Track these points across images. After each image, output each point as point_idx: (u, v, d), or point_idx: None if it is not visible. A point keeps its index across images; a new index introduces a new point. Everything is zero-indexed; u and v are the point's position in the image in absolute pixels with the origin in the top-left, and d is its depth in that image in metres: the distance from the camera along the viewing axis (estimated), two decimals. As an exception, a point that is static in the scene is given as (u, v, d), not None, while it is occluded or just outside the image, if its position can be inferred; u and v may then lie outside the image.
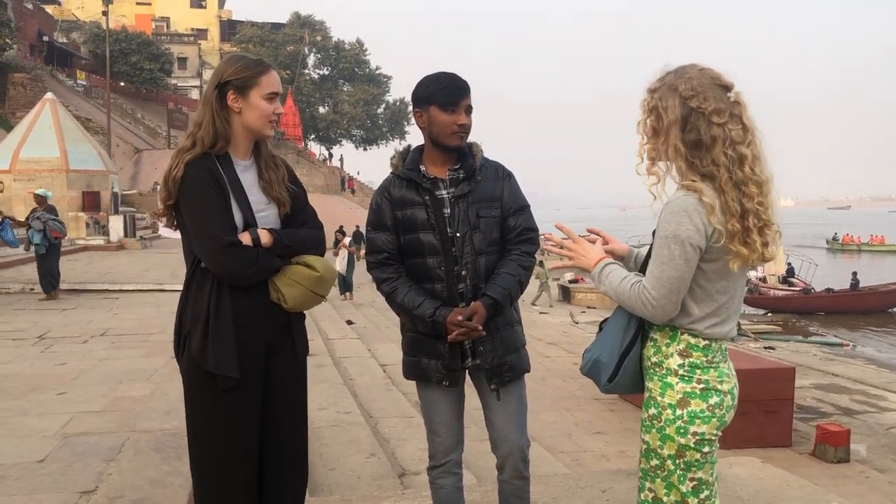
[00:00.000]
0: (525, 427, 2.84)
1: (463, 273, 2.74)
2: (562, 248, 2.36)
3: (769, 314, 25.68)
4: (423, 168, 2.82)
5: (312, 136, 63.60)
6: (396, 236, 2.80)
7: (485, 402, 2.84)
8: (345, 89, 64.80)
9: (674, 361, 2.16)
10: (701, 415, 2.13)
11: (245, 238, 2.45)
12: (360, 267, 21.89)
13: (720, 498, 2.26)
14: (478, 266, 2.75)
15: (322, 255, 2.63)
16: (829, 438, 5.80)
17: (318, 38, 63.39)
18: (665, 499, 2.18)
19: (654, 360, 2.20)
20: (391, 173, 2.89)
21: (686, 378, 2.15)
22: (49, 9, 58.55)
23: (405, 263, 2.82)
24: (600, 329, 2.34)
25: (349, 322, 12.64)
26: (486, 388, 2.79)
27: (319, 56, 64.50)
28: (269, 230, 2.51)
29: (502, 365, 2.76)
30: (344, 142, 65.46)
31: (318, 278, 2.52)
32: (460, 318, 2.66)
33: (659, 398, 2.16)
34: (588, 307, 23.17)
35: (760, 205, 2.08)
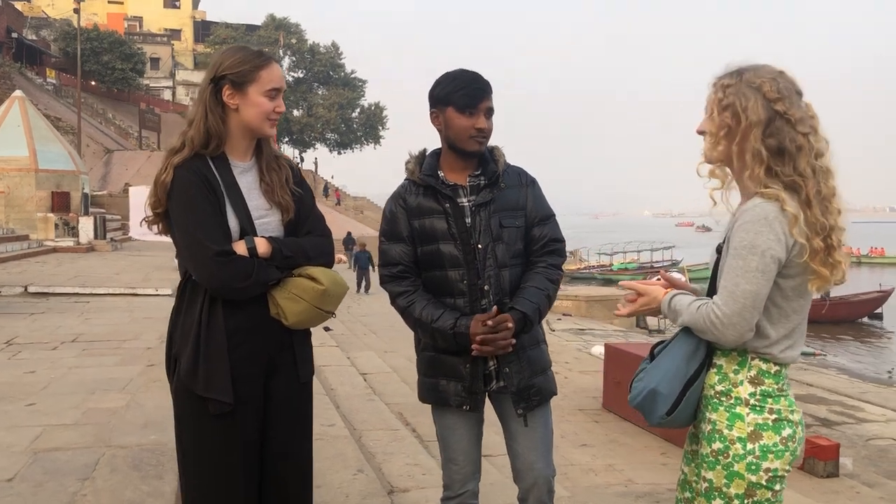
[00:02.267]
0: (551, 455, 2.67)
1: (486, 287, 2.55)
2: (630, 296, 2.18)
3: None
4: (441, 174, 2.62)
5: (286, 140, 63.12)
6: (413, 247, 2.61)
7: (508, 428, 2.66)
8: (319, 93, 64.61)
9: (744, 390, 1.99)
10: (774, 449, 1.96)
11: (240, 247, 2.24)
12: (350, 275, 21.85)
13: None
14: (501, 280, 2.56)
15: (330, 266, 2.41)
16: (818, 453, 5.74)
17: (293, 41, 63.12)
18: None
19: (718, 388, 2.02)
20: (406, 179, 2.69)
21: (758, 408, 1.98)
22: (18, 5, 57.64)
23: (422, 277, 2.62)
24: (652, 356, 2.15)
25: (326, 329, 12.44)
26: (510, 414, 2.61)
27: (294, 59, 64.15)
28: (268, 238, 2.29)
29: (530, 388, 2.58)
30: (318, 145, 65.11)
31: (322, 292, 2.29)
32: (489, 323, 2.45)
33: (726, 431, 1.98)
34: (564, 314, 23.14)
35: (839, 223, 1.95)
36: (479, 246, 2.56)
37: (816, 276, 1.94)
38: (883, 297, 27.12)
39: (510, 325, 2.46)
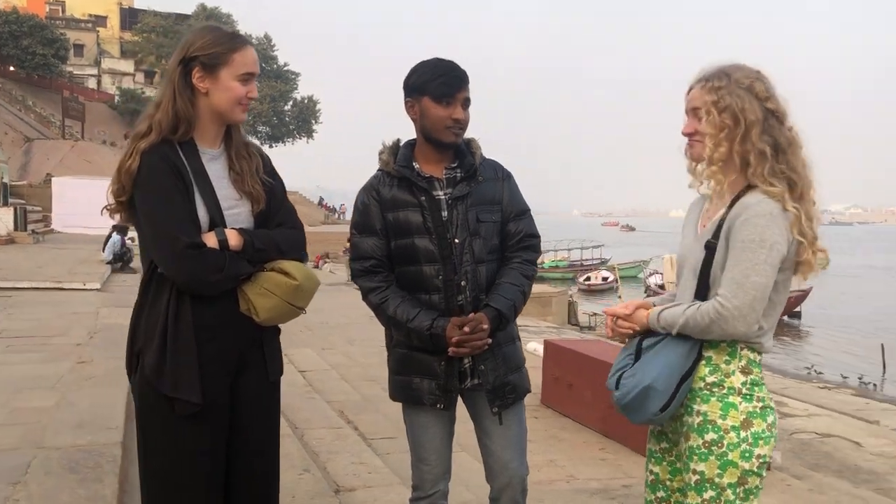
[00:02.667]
0: (526, 454, 2.65)
1: (462, 283, 2.50)
2: (618, 324, 2.20)
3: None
4: (416, 165, 2.56)
5: (217, 132, 61.73)
6: (386, 241, 2.54)
7: (482, 426, 2.63)
8: (252, 84, 63.46)
9: (736, 380, 2.04)
10: (763, 435, 2.02)
11: (210, 239, 2.13)
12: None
13: None
14: (478, 275, 2.52)
15: (302, 260, 2.32)
16: (749, 446, 5.94)
17: (225, 31, 61.82)
18: None
19: (710, 380, 2.05)
20: (379, 170, 2.61)
21: (748, 397, 2.04)
22: (-70, -15, 54.73)
23: (395, 271, 2.56)
24: (639, 351, 2.13)
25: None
26: (484, 412, 2.57)
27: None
28: (240, 230, 2.19)
29: (505, 385, 2.55)
30: (249, 138, 63.96)
31: (295, 288, 2.19)
32: (466, 328, 2.42)
33: (720, 421, 2.01)
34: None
35: (817, 213, 2.05)
36: (456, 240, 2.51)
37: (807, 265, 2.03)
38: (802, 296, 28.21)
39: (486, 326, 2.43)
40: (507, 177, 2.66)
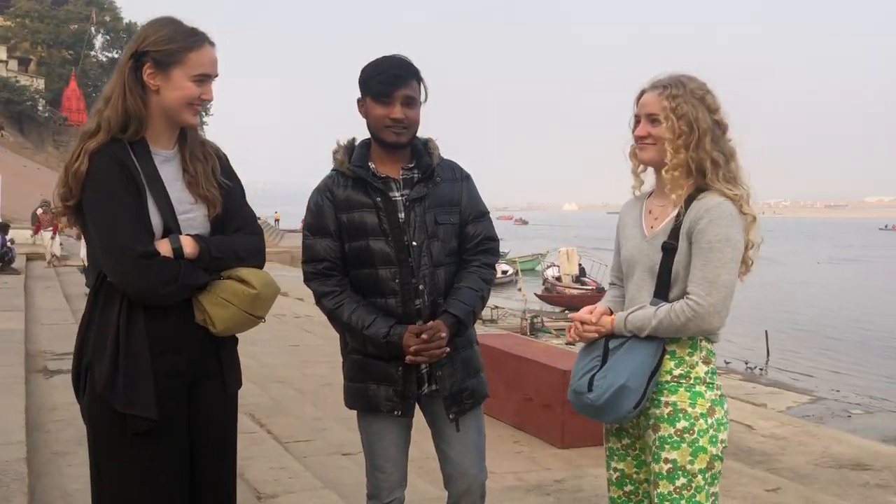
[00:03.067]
0: (484, 459, 2.64)
1: (420, 287, 2.46)
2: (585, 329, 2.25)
3: (566, 311, 27.29)
4: (372, 165, 2.50)
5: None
6: (340, 243, 2.48)
7: (439, 432, 2.60)
8: (137, 75, 60.87)
9: (701, 370, 2.16)
10: (723, 421, 2.15)
11: (163, 247, 2.02)
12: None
13: None
14: (436, 279, 2.48)
15: (261, 266, 2.22)
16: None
17: (107, 19, 58.95)
18: None
19: (677, 372, 2.15)
20: (333, 170, 2.54)
21: (710, 385, 2.16)
22: None
23: (350, 275, 2.50)
24: (606, 353, 2.18)
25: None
26: (441, 418, 2.54)
27: (109, 38, 60.03)
28: (195, 237, 2.08)
29: (462, 391, 2.52)
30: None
31: (254, 297, 2.09)
32: (424, 336, 2.38)
33: (689, 409, 2.12)
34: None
35: None
36: (414, 243, 2.46)
37: (745, 266, 2.19)
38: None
39: (444, 334, 2.41)
40: (465, 178, 2.62)
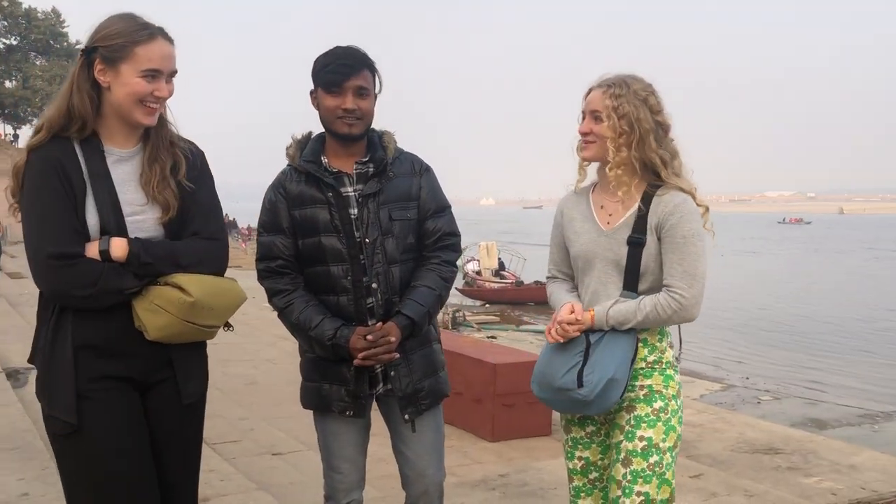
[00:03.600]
0: (443, 459, 2.60)
1: (373, 286, 2.40)
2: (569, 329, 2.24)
3: (487, 305, 27.57)
4: (325, 160, 2.44)
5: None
6: (294, 240, 2.42)
7: (396, 432, 2.55)
8: (38, 63, 58.01)
9: (669, 354, 2.27)
10: (683, 402, 2.28)
11: (91, 249, 1.95)
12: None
13: None
14: (390, 277, 2.42)
15: (218, 274, 2.13)
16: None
17: (5, 3, 55.98)
18: (658, 497, 2.16)
19: (651, 358, 2.24)
20: (287, 165, 2.48)
21: (676, 369, 2.28)
22: None
23: (304, 273, 2.44)
24: (587, 348, 2.20)
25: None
26: (398, 418, 2.49)
27: (6, 24, 56.98)
28: (130, 240, 1.99)
29: (418, 391, 2.46)
30: (35, 121, 58.53)
31: (190, 305, 1.99)
32: (369, 337, 2.32)
33: (664, 391, 2.22)
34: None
35: None
36: (367, 240, 2.40)
37: None
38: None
39: (392, 339, 2.35)
40: (424, 171, 2.55)
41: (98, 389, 2.00)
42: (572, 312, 2.25)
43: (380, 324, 2.39)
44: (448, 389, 2.61)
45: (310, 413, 2.62)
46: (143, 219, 2.05)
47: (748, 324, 21.88)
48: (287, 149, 2.51)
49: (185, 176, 2.11)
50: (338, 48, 2.41)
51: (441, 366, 2.59)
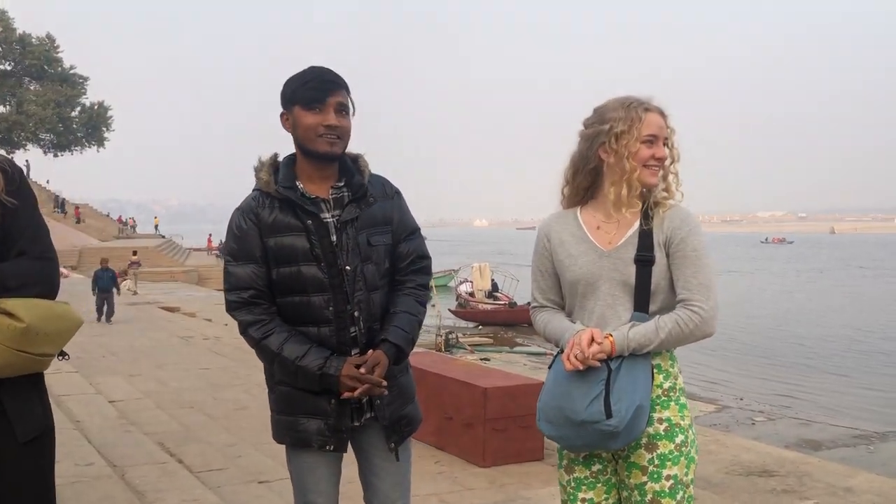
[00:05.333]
0: (409, 491, 2.52)
1: (356, 314, 2.32)
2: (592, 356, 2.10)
3: (480, 327, 27.48)
4: (300, 185, 2.35)
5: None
6: (266, 269, 2.31)
7: (368, 462, 2.45)
8: (31, 88, 58.09)
9: (681, 380, 2.18)
10: (695, 428, 2.18)
11: None
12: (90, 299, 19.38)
13: None
14: (371, 305, 2.34)
15: (48, 296, 1.93)
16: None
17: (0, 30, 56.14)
18: None
19: (666, 386, 2.13)
20: (256, 190, 2.38)
21: (685, 393, 2.18)
22: None
23: (277, 302, 2.34)
24: (609, 373, 2.07)
25: (62, 356, 11.18)
26: (375, 448, 2.41)
27: (1, 49, 57.08)
28: None
29: (401, 419, 2.39)
30: (30, 146, 58.46)
31: (22, 332, 1.80)
32: (362, 370, 2.24)
33: (681, 422, 2.12)
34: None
35: None
36: (347, 267, 2.32)
37: None
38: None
39: (381, 369, 2.27)
40: (396, 194, 2.50)
41: None
42: (593, 339, 2.08)
43: (370, 352, 2.32)
44: (421, 416, 2.55)
45: None
46: None
47: (741, 344, 21.86)
48: (257, 172, 2.40)
49: (3, 191, 1.91)
50: (314, 68, 2.35)
51: (415, 392, 2.54)
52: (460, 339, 21.27)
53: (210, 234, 64.77)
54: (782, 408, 13.83)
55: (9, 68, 57.64)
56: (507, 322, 27.53)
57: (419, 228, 2.55)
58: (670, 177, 2.23)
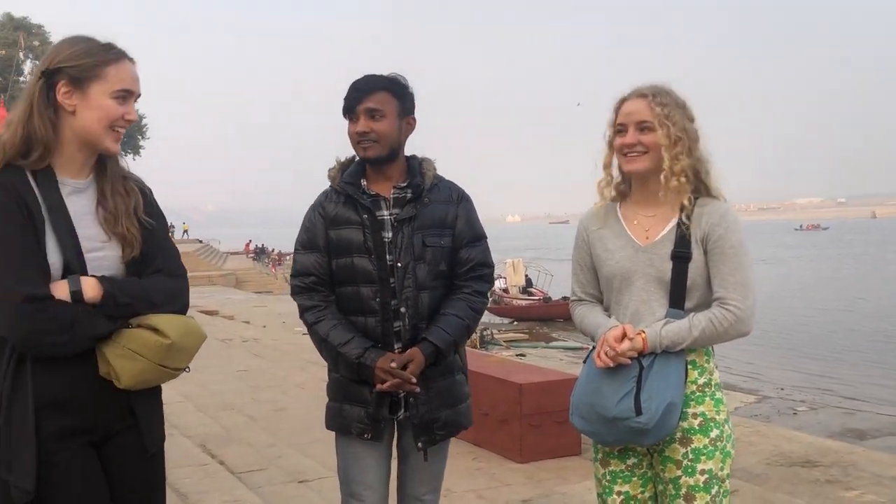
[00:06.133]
0: (440, 489, 2.62)
1: (402, 310, 2.41)
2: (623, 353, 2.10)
3: (515, 322, 27.46)
4: (364, 183, 2.48)
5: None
6: (328, 259, 2.46)
7: (405, 457, 2.55)
8: (68, 100, 59.37)
9: (717, 376, 2.17)
10: (731, 421, 2.17)
11: (60, 290, 1.79)
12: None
13: None
14: (419, 303, 2.42)
15: (182, 312, 1.99)
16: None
17: (36, 44, 57.29)
18: None
19: (701, 381, 2.13)
20: (329, 186, 2.54)
21: (722, 388, 2.18)
22: None
23: (336, 291, 2.47)
24: (641, 371, 2.07)
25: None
26: (410, 444, 2.49)
27: (37, 63, 58.10)
28: (100, 279, 1.84)
29: (434, 421, 2.45)
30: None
31: (167, 348, 1.85)
32: (393, 364, 2.32)
33: (717, 417, 2.12)
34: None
35: None
36: (399, 264, 2.42)
37: None
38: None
39: (414, 367, 2.35)
40: (463, 199, 2.56)
41: (59, 451, 1.83)
42: (624, 336, 2.10)
43: (408, 350, 2.40)
44: (469, 422, 2.58)
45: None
46: (102, 255, 1.91)
47: (777, 333, 21.52)
48: (329, 171, 2.58)
49: (143, 212, 2.00)
50: (357, 78, 2.49)
51: (463, 398, 2.57)
52: (495, 336, 21.25)
53: (249, 241, 65.69)
54: (825, 396, 13.59)
55: (46, 81, 58.84)
56: (541, 317, 27.48)
57: (485, 237, 2.60)
58: (712, 169, 2.19)
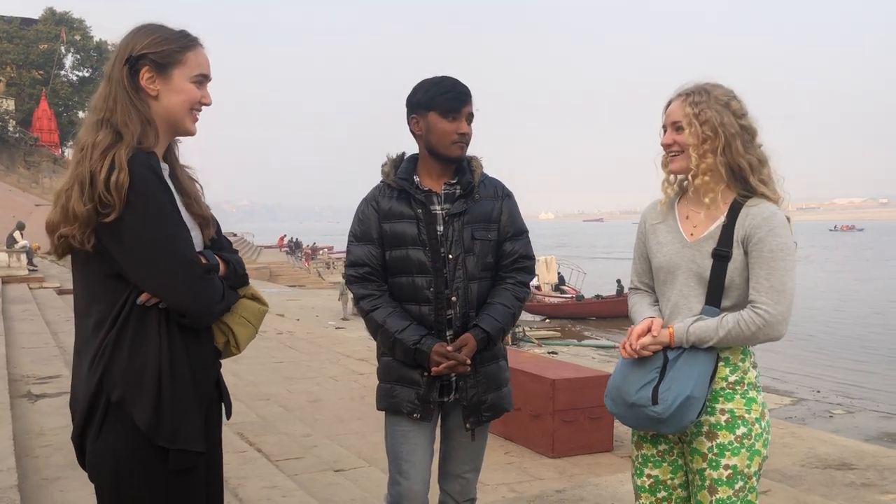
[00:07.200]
0: (480, 467, 2.78)
1: (453, 299, 2.57)
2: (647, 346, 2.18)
3: (547, 320, 27.38)
4: (416, 179, 2.62)
5: (70, 143, 58.27)
6: (381, 250, 2.60)
7: (449, 437, 2.71)
8: (109, 93, 60.30)
9: (752, 375, 2.19)
10: (769, 423, 2.19)
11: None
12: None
13: None
14: (469, 292, 2.59)
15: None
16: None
17: (77, 38, 58.39)
18: None
19: (732, 379, 2.17)
20: (381, 181, 2.67)
21: (759, 389, 2.19)
22: None
23: (389, 282, 2.61)
24: (665, 364, 2.15)
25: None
26: (457, 425, 2.65)
27: (79, 57, 59.37)
28: (218, 254, 1.98)
29: (482, 403, 2.62)
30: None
31: (264, 314, 2.06)
32: (449, 348, 2.50)
33: (746, 415, 2.15)
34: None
35: None
36: (450, 256, 2.57)
37: None
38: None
39: (467, 351, 2.51)
40: (507, 196, 2.72)
41: (206, 415, 1.94)
42: (649, 330, 2.18)
43: (461, 336, 2.56)
44: (510, 405, 2.75)
45: (372, 430, 2.78)
46: (194, 235, 1.95)
47: (816, 336, 21.22)
48: (382, 166, 2.70)
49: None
50: (447, 78, 2.61)
51: (505, 382, 2.74)
52: (527, 333, 21.23)
53: (284, 235, 66.25)
54: (861, 400, 13.39)
55: (87, 75, 59.87)
56: (574, 315, 27.38)
57: (527, 231, 2.76)
58: (765, 168, 2.20)
